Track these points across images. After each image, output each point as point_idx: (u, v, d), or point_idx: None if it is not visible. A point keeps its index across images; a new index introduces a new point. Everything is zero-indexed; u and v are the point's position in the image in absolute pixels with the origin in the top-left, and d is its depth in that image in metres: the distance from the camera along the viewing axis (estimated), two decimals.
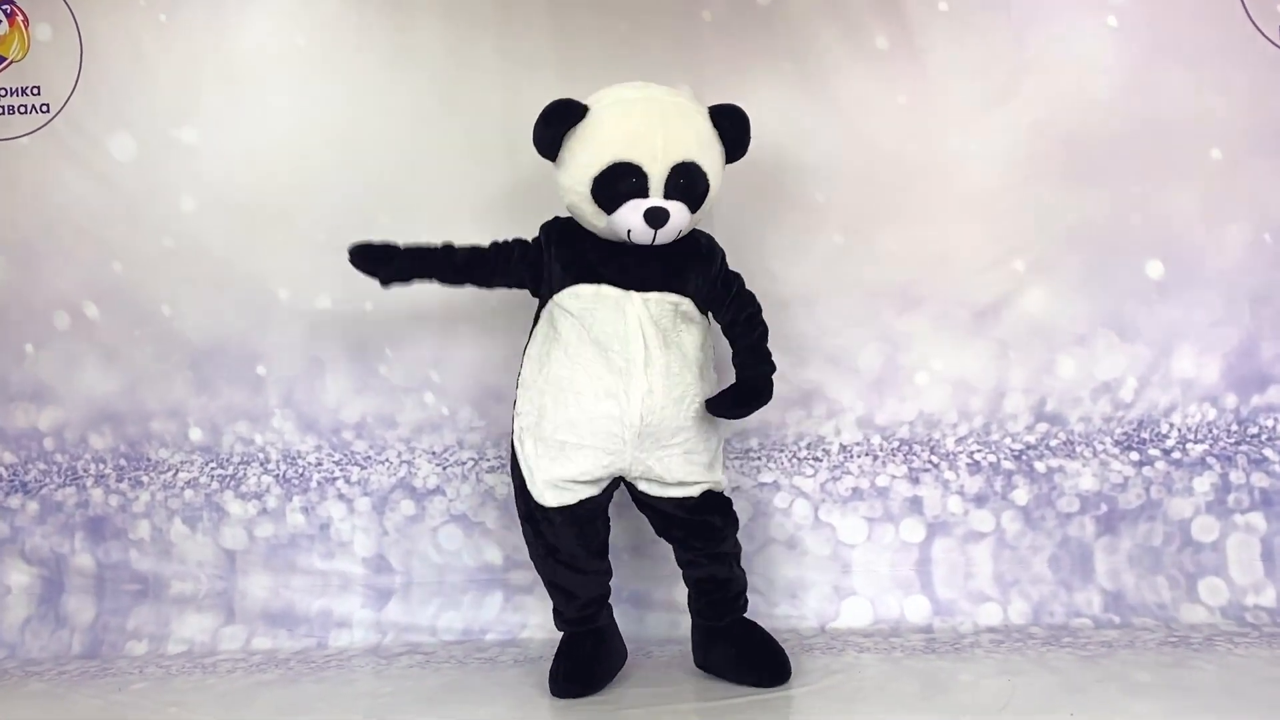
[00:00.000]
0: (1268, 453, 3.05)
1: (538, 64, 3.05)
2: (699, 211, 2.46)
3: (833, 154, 3.08)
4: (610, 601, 2.70)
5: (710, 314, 2.60)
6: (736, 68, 3.06)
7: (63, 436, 3.21)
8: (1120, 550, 3.06)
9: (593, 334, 2.44)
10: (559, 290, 2.49)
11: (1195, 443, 3.07)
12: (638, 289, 2.44)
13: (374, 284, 2.91)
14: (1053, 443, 3.09)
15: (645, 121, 2.37)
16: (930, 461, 3.11)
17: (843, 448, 3.12)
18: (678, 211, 2.38)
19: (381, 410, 3.16)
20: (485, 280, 2.63)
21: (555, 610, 2.67)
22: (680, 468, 2.51)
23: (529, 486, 2.52)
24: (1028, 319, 3.06)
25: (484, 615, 3.12)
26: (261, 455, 3.19)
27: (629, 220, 2.37)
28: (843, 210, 3.07)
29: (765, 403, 2.49)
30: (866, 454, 3.12)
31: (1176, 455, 3.07)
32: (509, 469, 2.66)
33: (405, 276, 2.61)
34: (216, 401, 3.17)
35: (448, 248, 2.61)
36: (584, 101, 2.43)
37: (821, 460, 3.12)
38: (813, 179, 3.08)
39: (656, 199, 2.37)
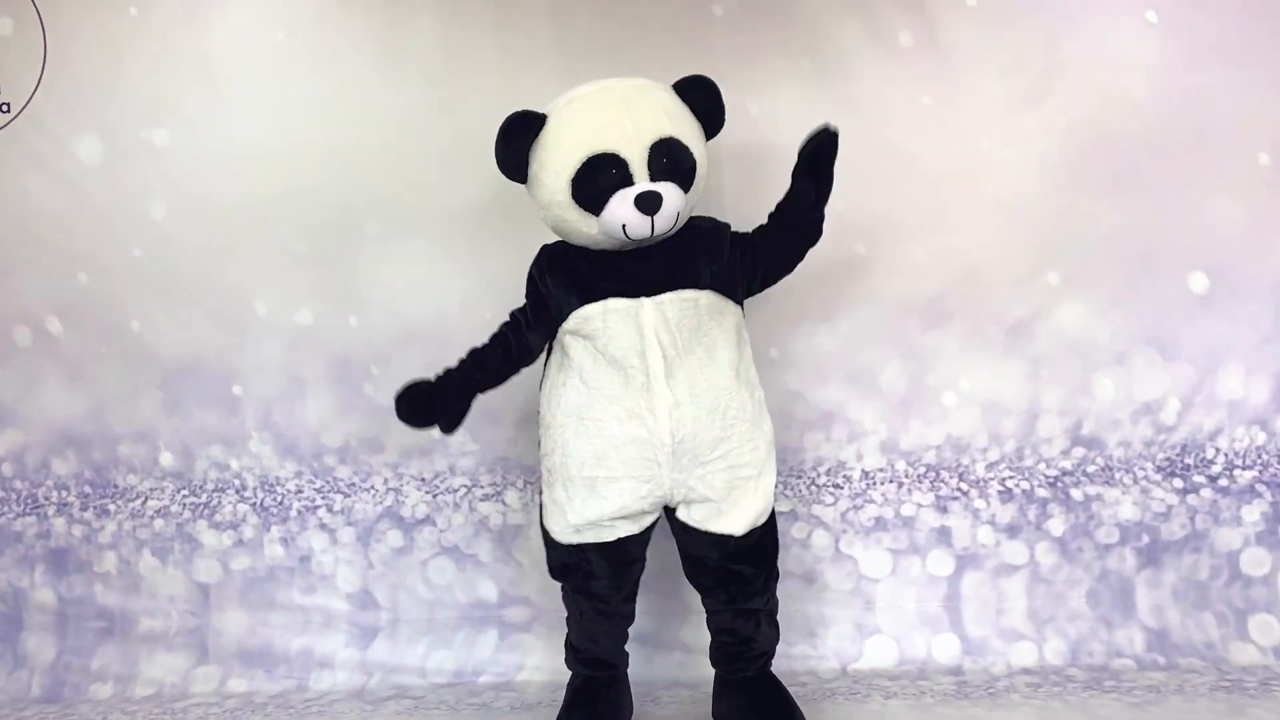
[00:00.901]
0: None
1: (538, 62, 2.88)
2: (693, 193, 2.26)
3: (853, 158, 2.84)
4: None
5: (748, 286, 2.38)
6: (749, 65, 2.87)
7: (23, 461, 3.03)
8: (1164, 584, 2.89)
9: (608, 354, 2.24)
10: (564, 318, 2.29)
11: (1244, 469, 2.89)
12: (648, 294, 2.23)
13: (356, 297, 2.93)
14: (1090, 469, 2.92)
15: (607, 108, 2.20)
16: (959, 489, 2.94)
17: (865, 474, 2.95)
18: (670, 193, 2.17)
19: (367, 433, 2.98)
20: (520, 360, 2.38)
21: (570, 646, 2.48)
22: (724, 483, 2.28)
23: (554, 531, 2.35)
24: (1063, 336, 2.90)
25: (477, 655, 2.94)
26: (237, 482, 3.01)
27: (620, 214, 2.16)
28: (864, 219, 2.87)
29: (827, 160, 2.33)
30: (890, 481, 2.95)
31: (1224, 482, 2.90)
32: (538, 521, 2.44)
33: (460, 415, 2.32)
34: (189, 424, 3.00)
35: (477, 360, 2.35)
36: (540, 111, 2.26)
37: (842, 488, 2.95)
38: (834, 186, 2.88)
39: (643, 183, 2.17)
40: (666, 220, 2.18)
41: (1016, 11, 2.89)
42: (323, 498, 3.00)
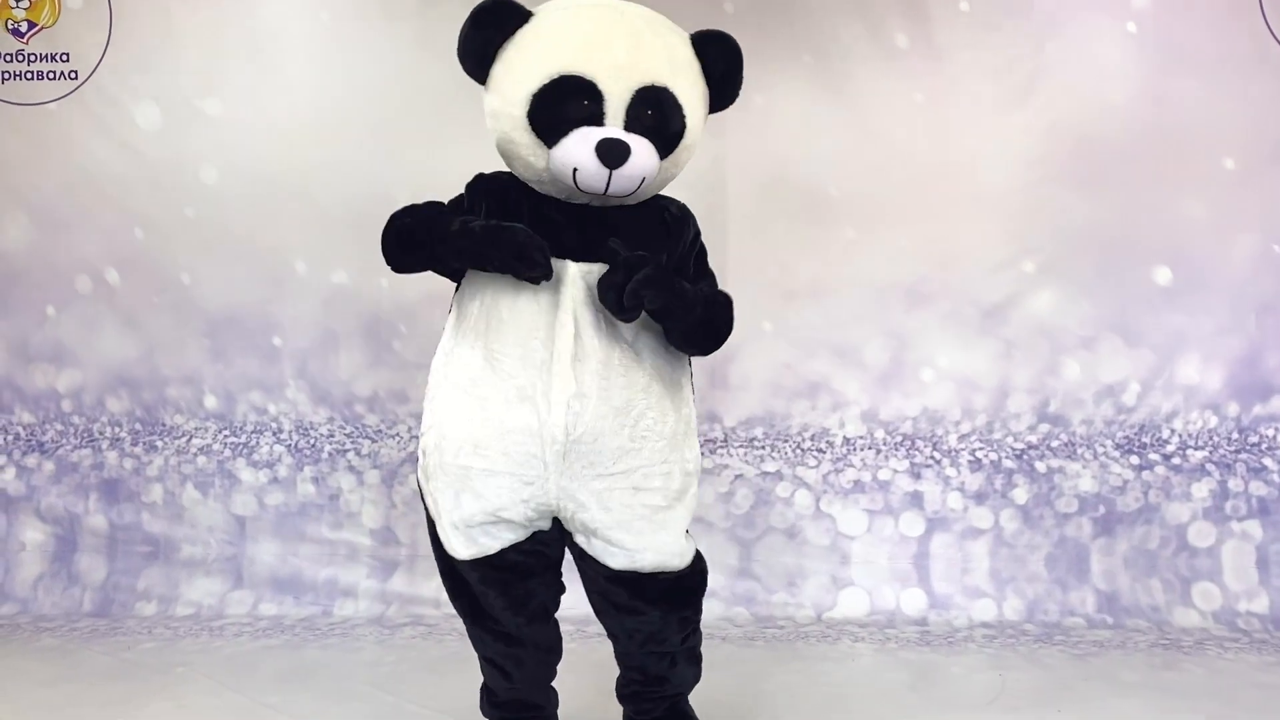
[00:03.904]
0: (1267, 462, 3.08)
1: None
2: (672, 163, 1.83)
3: (848, 149, 3.10)
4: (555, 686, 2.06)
5: None
6: (756, 60, 2.97)
7: (80, 399, 3.26)
8: (1116, 552, 3.10)
9: (511, 319, 1.79)
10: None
11: (1196, 449, 3.10)
12: (575, 258, 1.81)
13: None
14: (1054, 444, 3.12)
15: (604, 28, 1.77)
16: (932, 457, 3.14)
17: (846, 440, 3.15)
18: (642, 150, 1.74)
19: (393, 385, 3.19)
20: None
21: (483, 689, 2.04)
22: (623, 506, 1.80)
23: (439, 531, 1.87)
24: (1035, 320, 3.10)
25: None
26: (274, 425, 3.23)
27: (575, 155, 1.73)
28: (855, 205, 3.09)
29: (667, 287, 1.75)
30: (869, 447, 3.15)
31: (1176, 460, 3.10)
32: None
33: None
34: (232, 370, 3.22)
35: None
36: (526, 7, 1.83)
37: (825, 452, 3.15)
38: (827, 173, 3.10)
39: (614, 128, 1.74)
40: (628, 182, 1.75)
41: (1007, 18, 3.07)
42: (352, 442, 3.21)
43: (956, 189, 3.08)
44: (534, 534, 1.85)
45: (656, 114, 1.77)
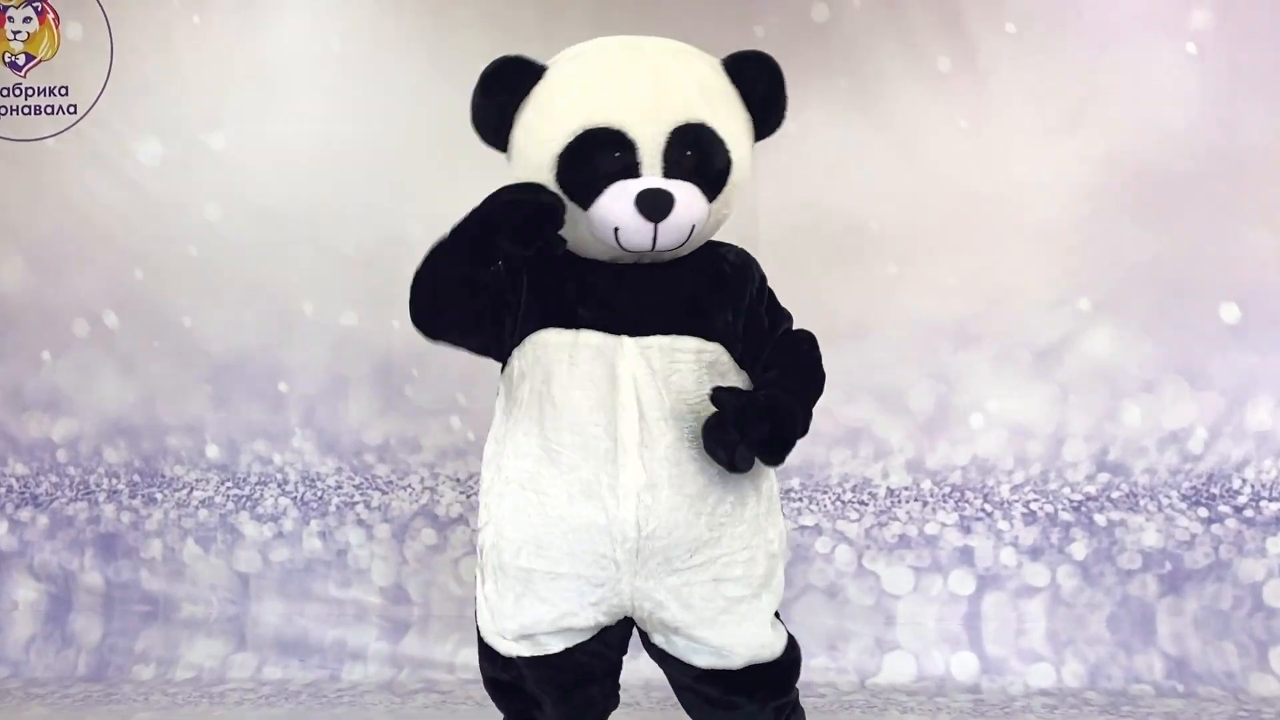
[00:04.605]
0: None
1: None
2: (722, 203, 1.68)
3: (888, 179, 2.95)
4: None
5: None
6: (790, 86, 2.88)
7: (76, 449, 3.13)
8: (1185, 613, 2.91)
9: (560, 402, 1.65)
10: (519, 341, 1.70)
11: (1270, 500, 2.91)
12: (632, 332, 1.65)
13: (399, 301, 2.88)
14: (1115, 495, 2.95)
15: (625, 69, 1.64)
16: (983, 510, 2.98)
17: (890, 492, 2.99)
18: (686, 196, 1.59)
19: (405, 433, 3.06)
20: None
21: None
22: (703, 600, 1.67)
23: (485, 633, 1.77)
24: (1092, 361, 2.94)
25: None
26: (280, 476, 3.10)
27: (614, 213, 1.59)
28: (897, 239, 2.94)
29: (784, 443, 1.62)
30: (915, 499, 2.99)
31: (1249, 513, 2.91)
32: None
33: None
34: (235, 418, 3.10)
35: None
36: (538, 61, 1.71)
37: (867, 504, 2.99)
38: (866, 205, 2.95)
39: (653, 178, 1.59)
40: (676, 233, 1.61)
41: (1056, 40, 2.92)
42: (361, 494, 3.08)
43: (1005, 221, 2.93)
44: (600, 632, 1.73)
45: (696, 154, 1.62)
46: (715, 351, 1.68)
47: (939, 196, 2.94)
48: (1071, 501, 2.96)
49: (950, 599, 2.97)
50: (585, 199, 1.61)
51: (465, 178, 2.90)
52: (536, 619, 1.68)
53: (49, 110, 3.07)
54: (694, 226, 1.62)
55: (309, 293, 3.05)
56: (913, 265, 2.95)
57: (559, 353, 1.65)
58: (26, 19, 3.07)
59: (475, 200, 2.95)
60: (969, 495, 2.98)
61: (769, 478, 1.77)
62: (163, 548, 3.11)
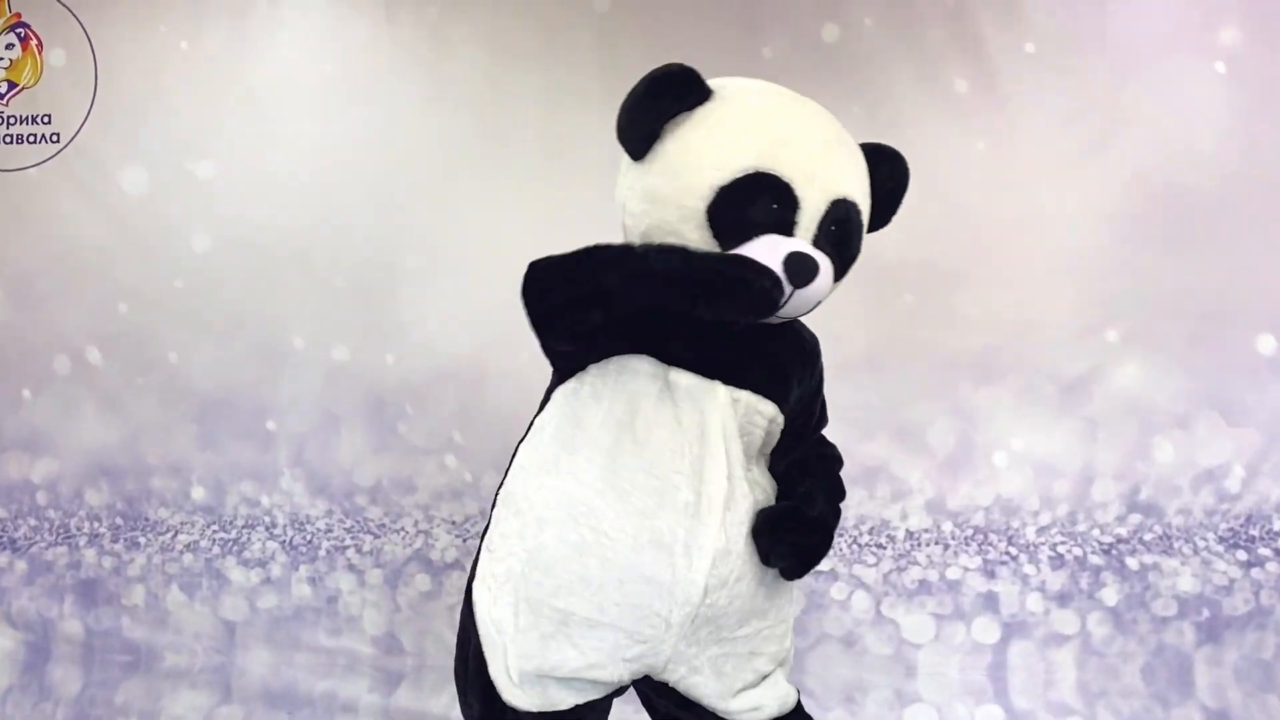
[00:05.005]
0: None
1: (583, 100, 2.86)
2: (835, 286, 1.62)
3: (904, 205, 2.80)
4: None
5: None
6: None
7: (57, 490, 3.03)
8: (1225, 662, 2.81)
9: (642, 438, 1.55)
10: (599, 358, 1.60)
11: None
12: (725, 380, 1.57)
13: (393, 333, 2.89)
14: (1147, 536, 2.85)
15: (802, 125, 1.58)
16: (1008, 553, 2.87)
17: (909, 534, 2.89)
18: (826, 270, 1.52)
19: (399, 473, 2.97)
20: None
21: None
22: (736, 675, 1.63)
23: (492, 670, 1.59)
24: (1121, 396, 2.84)
25: None
26: (268, 519, 3.00)
27: None
28: (914, 268, 2.82)
29: (817, 559, 1.62)
30: (936, 542, 2.89)
31: None
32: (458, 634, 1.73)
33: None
34: (222, 458, 3.00)
35: None
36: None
37: (885, 548, 2.89)
38: (882, 232, 2.79)
39: (804, 241, 1.52)
40: (804, 304, 1.54)
41: (1078, 59, 2.83)
42: (352, 538, 2.97)
43: (1028, 249, 2.83)
44: (614, 690, 1.65)
45: (841, 231, 1.58)
46: (780, 422, 1.65)
47: (957, 223, 2.84)
48: (1101, 544, 2.85)
49: (974, 648, 2.86)
50: (730, 240, 1.52)
51: (460, 207, 2.90)
52: (560, 663, 1.56)
53: (31, 139, 2.98)
54: (819, 302, 1.56)
55: (299, 326, 2.96)
56: (931, 295, 2.85)
57: (649, 384, 1.56)
58: (9, 45, 2.98)
59: (470, 230, 2.85)
60: (993, 538, 2.87)
61: None
62: (145, 594, 3.01)
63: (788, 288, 1.48)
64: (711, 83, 1.60)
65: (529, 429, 1.67)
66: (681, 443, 1.53)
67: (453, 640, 2.90)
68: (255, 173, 2.96)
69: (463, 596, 1.68)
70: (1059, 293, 2.83)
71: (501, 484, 1.67)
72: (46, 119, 2.98)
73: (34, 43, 2.98)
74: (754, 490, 1.59)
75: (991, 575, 2.86)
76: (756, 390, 1.59)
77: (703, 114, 1.55)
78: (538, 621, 1.56)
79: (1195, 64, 2.80)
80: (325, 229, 2.94)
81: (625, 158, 1.64)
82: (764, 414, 1.60)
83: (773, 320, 1.57)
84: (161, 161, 2.97)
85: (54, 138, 2.98)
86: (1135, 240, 2.80)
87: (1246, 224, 2.78)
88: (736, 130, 1.54)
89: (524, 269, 1.55)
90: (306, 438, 2.97)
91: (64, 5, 2.96)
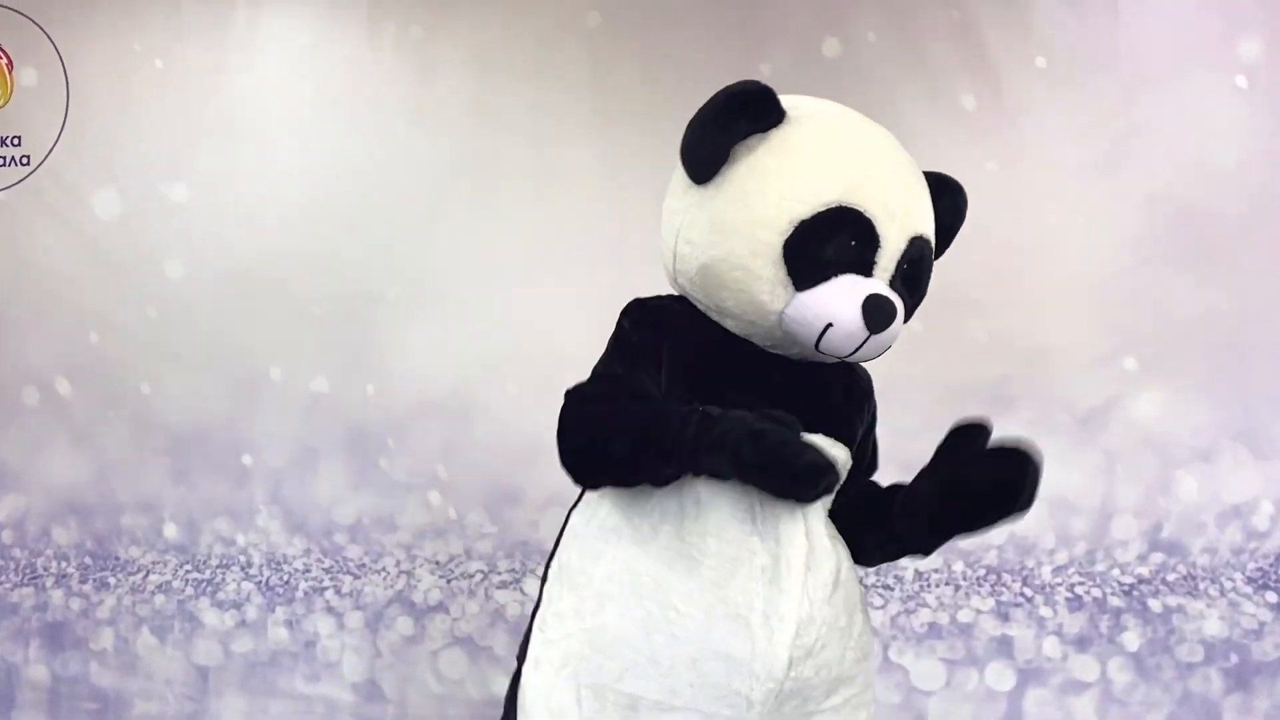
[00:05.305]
0: None
1: (574, 123, 2.80)
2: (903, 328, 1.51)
3: None
4: None
5: None
6: None
7: (22, 528, 2.92)
8: (1256, 711, 2.70)
9: (706, 499, 1.43)
10: None
11: None
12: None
13: (374, 364, 2.82)
14: (1170, 577, 2.75)
15: (879, 157, 1.48)
16: (1022, 594, 2.78)
17: (918, 575, 2.80)
18: (900, 311, 1.43)
19: (380, 510, 2.87)
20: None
21: None
22: None
23: None
24: (1141, 427, 2.76)
25: None
26: (243, 558, 2.89)
27: (834, 309, 1.39)
28: None
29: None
30: (947, 583, 2.79)
31: None
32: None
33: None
34: (195, 494, 2.90)
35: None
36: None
37: (893, 589, 2.79)
38: None
39: (882, 283, 1.43)
40: (876, 349, 1.44)
41: (1091, 74, 2.75)
42: (331, 578, 2.86)
43: (1041, 272, 2.75)
44: None
45: (914, 270, 1.49)
46: (848, 467, 1.54)
47: (967, 246, 2.66)
48: (1122, 585, 2.75)
49: (987, 695, 2.75)
50: (806, 281, 1.41)
51: (445, 233, 2.80)
52: None
53: (0, 161, 2.89)
54: (883, 351, 1.46)
55: (277, 356, 2.87)
56: (940, 322, 2.68)
57: None
58: None
59: (455, 257, 2.74)
60: (1006, 578, 2.77)
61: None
62: (115, 638, 2.89)
63: (864, 333, 1.38)
64: (788, 102, 1.48)
65: (581, 493, 1.54)
66: (751, 501, 1.42)
67: (436, 688, 2.81)
68: (232, 197, 2.88)
69: (509, 682, 1.55)
70: (1074, 319, 2.74)
71: (552, 555, 1.54)
72: (16, 141, 2.90)
73: (4, 62, 2.90)
74: (836, 547, 1.48)
75: (1005, 618, 2.76)
76: (828, 433, 1.47)
77: (779, 138, 1.44)
78: (602, 709, 1.41)
79: (1214, 78, 2.73)
80: (304, 255, 2.86)
81: (676, 179, 1.52)
82: (838, 460, 1.43)
83: (826, 359, 1.47)
84: (135, 185, 2.89)
85: (24, 160, 2.90)
86: (1154, 263, 2.72)
87: (1270, 245, 2.71)
88: (817, 159, 1.43)
89: (561, 397, 1.40)
90: (284, 473, 2.88)
91: (35, 23, 2.88)
